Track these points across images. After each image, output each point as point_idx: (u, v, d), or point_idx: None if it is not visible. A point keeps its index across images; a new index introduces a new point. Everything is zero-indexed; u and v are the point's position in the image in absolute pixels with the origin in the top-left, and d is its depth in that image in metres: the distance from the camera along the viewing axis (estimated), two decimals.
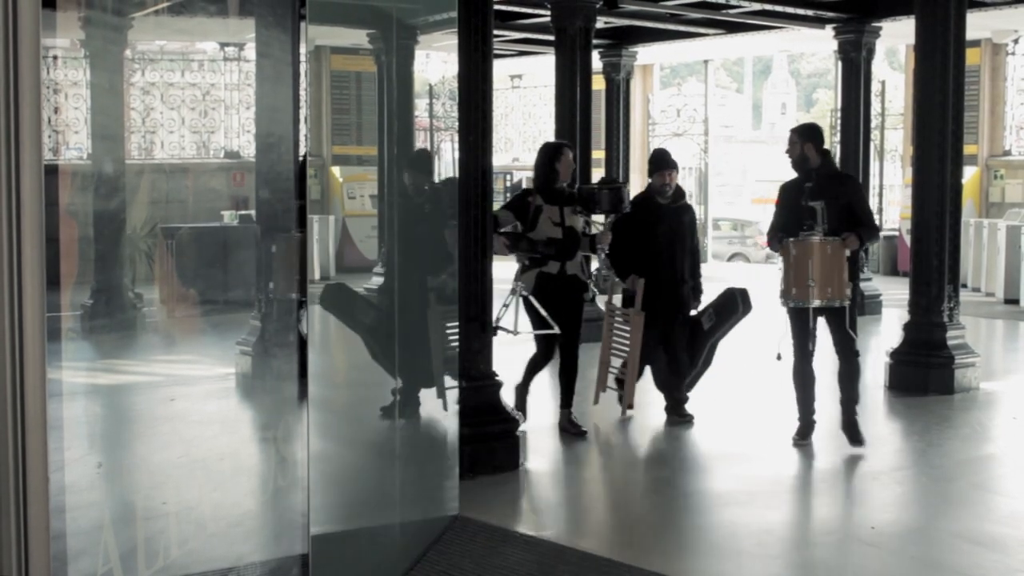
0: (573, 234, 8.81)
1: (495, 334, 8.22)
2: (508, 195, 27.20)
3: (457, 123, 7.98)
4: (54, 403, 3.22)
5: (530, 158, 28.63)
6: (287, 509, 4.55)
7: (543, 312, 8.64)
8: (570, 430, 8.97)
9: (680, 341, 9.46)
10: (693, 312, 9.57)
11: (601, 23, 17.00)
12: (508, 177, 27.47)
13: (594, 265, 9.62)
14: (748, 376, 11.41)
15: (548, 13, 14.69)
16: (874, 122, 18.93)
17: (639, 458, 8.62)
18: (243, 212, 5.68)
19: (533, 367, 9.12)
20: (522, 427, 8.03)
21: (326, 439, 6.32)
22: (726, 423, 9.42)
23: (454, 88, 8.19)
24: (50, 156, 5.51)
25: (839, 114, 17.94)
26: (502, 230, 8.66)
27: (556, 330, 8.65)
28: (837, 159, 18.29)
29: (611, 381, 9.87)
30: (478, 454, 7.58)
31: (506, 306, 8.82)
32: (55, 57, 4.56)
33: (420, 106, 22.69)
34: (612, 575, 5.92)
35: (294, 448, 4.57)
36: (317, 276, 17.35)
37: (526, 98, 28.74)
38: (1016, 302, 17.19)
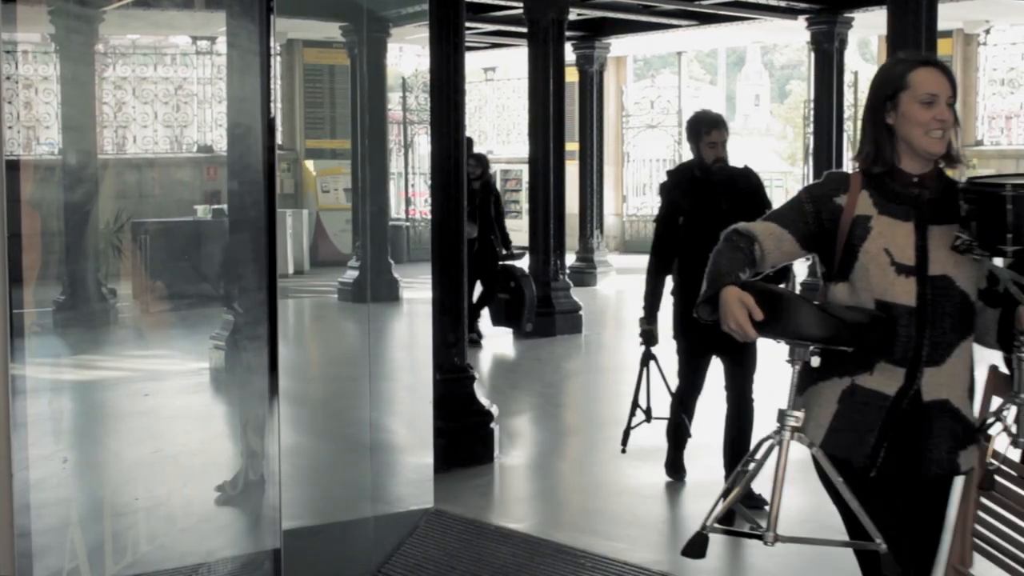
0: (948, 300, 3.56)
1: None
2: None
3: (430, 116, 7.97)
4: (19, 400, 3.19)
5: (505, 151, 28.58)
6: (259, 504, 4.54)
7: (853, 503, 3.60)
8: None
9: None
10: None
11: (574, 15, 17.00)
12: None
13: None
14: None
15: (520, 5, 14.68)
16: (847, 113, 18.93)
17: (615, 451, 8.61)
18: (216, 206, 5.67)
19: None
20: (496, 419, 8.01)
21: (298, 433, 6.31)
22: (703, 414, 9.42)
23: (428, 81, 8.17)
24: (20, 151, 5.48)
25: (812, 105, 17.99)
26: (755, 276, 3.65)
27: (882, 545, 3.53)
28: (811, 150, 18.38)
29: None
30: (453, 447, 7.57)
31: (752, 464, 3.85)
32: (25, 52, 4.52)
33: (394, 99, 22.68)
34: (586, 567, 5.92)
35: (266, 442, 4.56)
36: (291, 270, 17.30)
37: (500, 91, 28.70)
38: None
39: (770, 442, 3.69)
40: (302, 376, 8.11)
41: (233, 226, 4.91)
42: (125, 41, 5.20)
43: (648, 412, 7.76)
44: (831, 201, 3.66)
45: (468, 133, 8.35)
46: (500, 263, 12.91)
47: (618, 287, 18.30)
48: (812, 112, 17.91)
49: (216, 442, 4.87)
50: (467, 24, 8.68)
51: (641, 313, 7.17)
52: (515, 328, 13.18)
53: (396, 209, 22.75)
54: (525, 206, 18.27)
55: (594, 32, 19.63)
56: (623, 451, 7.80)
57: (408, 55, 22.71)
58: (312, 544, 5.51)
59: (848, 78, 19.08)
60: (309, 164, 22.97)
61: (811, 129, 18.32)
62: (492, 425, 7.93)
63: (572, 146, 18.31)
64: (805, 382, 3.68)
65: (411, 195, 24.36)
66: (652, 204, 25.52)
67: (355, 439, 6.46)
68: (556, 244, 14.09)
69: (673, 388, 7.44)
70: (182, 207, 5.85)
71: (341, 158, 22.07)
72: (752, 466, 3.77)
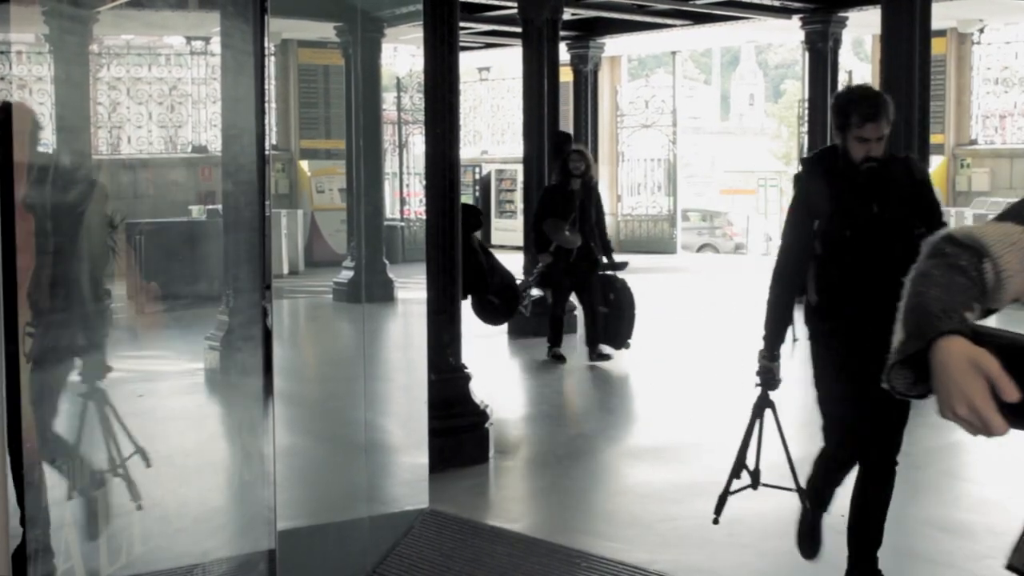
0: None
1: None
2: (476, 188, 27.11)
3: (424, 116, 7.97)
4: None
5: (499, 151, 28.62)
6: (254, 504, 4.53)
7: None
8: None
9: None
10: None
11: (568, 15, 17.02)
12: (476, 170, 27.41)
13: None
14: (731, 366, 11.41)
15: (515, 5, 14.70)
16: None
17: (609, 451, 8.62)
18: (211, 207, 5.67)
19: None
20: (491, 419, 8.01)
21: (293, 433, 6.31)
22: (698, 413, 9.43)
23: (422, 81, 8.15)
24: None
25: (806, 104, 18.01)
26: (984, 317, 2.08)
27: None
28: (806, 149, 18.40)
29: None
30: (448, 447, 7.56)
31: None
32: (19, 52, 4.52)
33: (388, 99, 22.66)
34: (582, 567, 5.91)
35: (260, 443, 4.55)
36: (285, 271, 17.29)
37: (494, 90, 28.72)
38: None
39: None
40: (297, 377, 8.11)
41: (228, 226, 4.91)
42: (119, 41, 5.21)
43: (756, 476, 5.82)
44: None
45: (463, 133, 8.31)
46: (600, 273, 11.45)
47: None
48: (807, 111, 17.94)
49: (211, 443, 4.87)
50: (461, 24, 8.66)
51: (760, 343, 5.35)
52: (614, 345, 11.57)
53: (391, 209, 22.76)
54: (520, 206, 18.31)
55: (588, 32, 19.66)
56: (715, 521, 5.81)
57: (403, 55, 22.70)
58: (307, 545, 5.50)
59: (843, 77, 19.12)
60: (304, 164, 22.97)
61: (806, 128, 18.35)
62: (487, 425, 7.92)
63: None
64: None
65: (406, 195, 24.37)
66: (647, 203, 25.54)
67: (350, 440, 6.45)
68: None
69: (790, 445, 5.76)
70: (177, 208, 5.85)
71: (336, 158, 22.07)
72: None
